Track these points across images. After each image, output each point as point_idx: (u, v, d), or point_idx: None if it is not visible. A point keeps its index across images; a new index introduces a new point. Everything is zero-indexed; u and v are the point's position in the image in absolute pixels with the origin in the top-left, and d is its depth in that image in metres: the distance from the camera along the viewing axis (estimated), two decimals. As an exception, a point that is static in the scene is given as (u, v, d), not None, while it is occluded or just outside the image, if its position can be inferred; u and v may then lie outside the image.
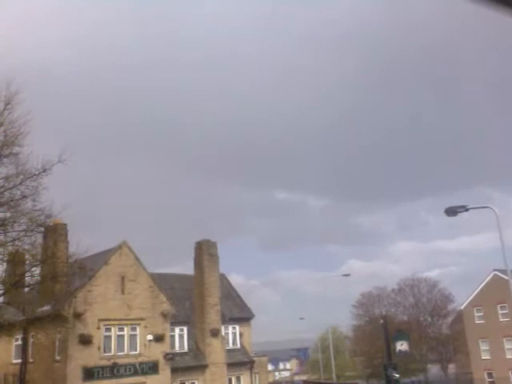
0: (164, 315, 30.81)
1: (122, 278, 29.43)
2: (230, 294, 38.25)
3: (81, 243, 24.51)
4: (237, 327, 37.04)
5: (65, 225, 27.35)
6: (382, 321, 39.98)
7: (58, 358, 28.27)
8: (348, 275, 50.66)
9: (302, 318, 78.38)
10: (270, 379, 60.93)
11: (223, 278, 37.44)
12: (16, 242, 23.81)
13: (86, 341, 28.02)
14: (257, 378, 38.11)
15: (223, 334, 35.72)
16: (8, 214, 23.01)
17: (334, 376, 55.91)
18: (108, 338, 29.06)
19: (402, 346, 33.80)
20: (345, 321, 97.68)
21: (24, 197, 22.89)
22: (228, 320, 36.05)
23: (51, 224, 25.18)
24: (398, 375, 31.54)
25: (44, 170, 22.59)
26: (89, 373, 27.47)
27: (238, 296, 39.18)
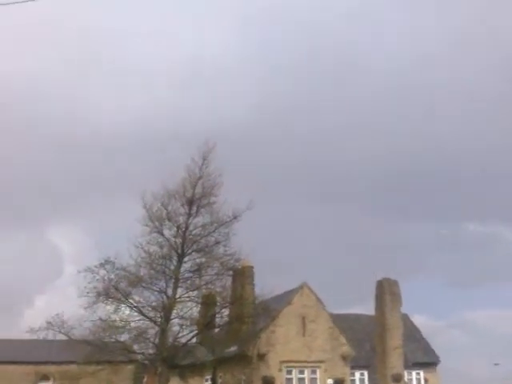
0: (344, 358, 30.15)
1: (303, 319, 29.49)
2: (413, 336, 36.40)
3: (266, 285, 25.39)
4: (421, 373, 34.93)
5: (251, 267, 28.53)
6: None
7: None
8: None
9: (496, 364, 70.13)
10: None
11: (406, 319, 35.73)
12: (209, 285, 25.54)
13: (268, 383, 28.39)
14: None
15: (406, 379, 33.81)
16: (203, 260, 24.93)
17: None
18: (289, 380, 29.08)
19: None
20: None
21: (217, 243, 24.70)
22: (411, 365, 34.18)
23: (239, 267, 26.56)
24: None
25: (235, 217, 24.24)
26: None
27: (423, 338, 37.12)
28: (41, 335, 24.18)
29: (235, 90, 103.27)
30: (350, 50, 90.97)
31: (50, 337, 24.69)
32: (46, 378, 29.86)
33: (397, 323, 32.82)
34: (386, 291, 33.18)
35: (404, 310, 34.65)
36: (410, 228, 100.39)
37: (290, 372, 29.15)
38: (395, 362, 32.42)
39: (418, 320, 40.22)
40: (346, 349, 30.14)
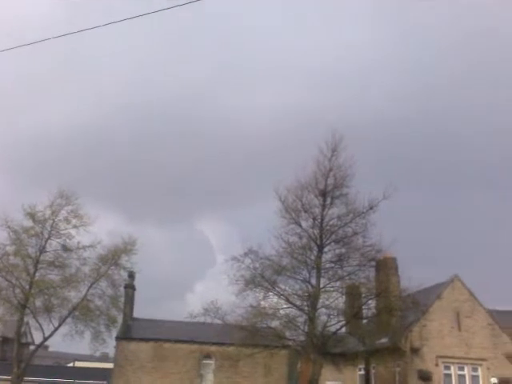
0: (509, 357, 27.19)
1: (457, 314, 27.39)
2: None
3: (411, 277, 23.92)
4: None
5: (394, 259, 27.20)
6: None
7: (399, 391, 27.80)
8: None
9: None
10: None
11: None
12: (352, 276, 24.88)
13: (425, 377, 26.89)
14: None
15: None
16: (343, 250, 24.38)
17: None
18: (448, 376, 27.34)
19: None
20: None
21: (355, 233, 23.96)
22: None
23: (382, 258, 25.48)
24: None
25: (371, 208, 23.30)
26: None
27: None
28: (200, 320, 26.04)
29: (366, 85, 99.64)
30: None
31: (209, 321, 26.50)
32: (208, 356, 31.99)
33: None
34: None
35: None
36: None
37: (447, 368, 27.44)
38: None
39: None
40: (510, 347, 27.15)
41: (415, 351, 27.15)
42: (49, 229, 29.55)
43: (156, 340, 31.74)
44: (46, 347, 52.01)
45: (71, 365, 56.95)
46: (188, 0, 9.43)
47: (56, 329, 29.95)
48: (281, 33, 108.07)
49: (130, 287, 33.01)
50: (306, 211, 24.03)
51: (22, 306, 29.05)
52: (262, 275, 24.79)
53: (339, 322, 26.18)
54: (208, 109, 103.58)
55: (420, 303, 25.54)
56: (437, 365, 27.19)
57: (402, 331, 26.99)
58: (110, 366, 37.51)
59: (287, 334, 26.96)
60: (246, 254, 24.19)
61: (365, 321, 27.85)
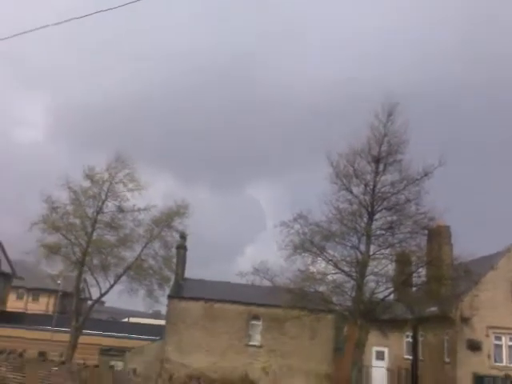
0: None
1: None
2: None
3: (465, 246, 23.20)
4: None
5: (448, 227, 26.39)
6: None
7: (446, 360, 27.45)
8: None
9: None
10: None
11: None
12: (402, 244, 24.35)
13: (474, 347, 26.46)
14: None
15: None
16: (395, 217, 23.80)
17: None
18: (498, 346, 26.80)
19: None
20: None
21: (408, 201, 23.31)
22: None
23: (434, 227, 24.78)
24: None
25: (426, 175, 22.54)
26: (479, 381, 25.68)
27: None
28: (249, 279, 26.36)
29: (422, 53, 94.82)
30: None
31: (257, 282, 26.74)
32: (256, 317, 32.48)
33: None
34: None
35: None
36: None
37: (498, 338, 26.88)
38: None
39: None
40: None
41: (465, 321, 26.65)
42: (106, 190, 30.43)
43: (206, 300, 32.47)
44: (103, 303, 54.40)
45: (126, 320, 59.50)
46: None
47: (112, 286, 31.20)
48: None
49: (182, 248, 33.72)
50: (357, 177, 23.50)
51: (81, 263, 30.32)
52: (310, 241, 24.66)
53: (387, 288, 25.84)
54: (260, 74, 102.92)
55: (473, 273, 24.72)
56: (487, 335, 26.66)
57: (453, 300, 26.36)
58: (161, 322, 38.88)
59: (334, 299, 26.93)
60: (295, 220, 24.07)
61: (414, 289, 27.41)
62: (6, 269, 48.84)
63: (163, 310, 37.87)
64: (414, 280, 26.08)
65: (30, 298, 60.29)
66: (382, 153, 23.06)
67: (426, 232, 24.33)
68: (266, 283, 26.50)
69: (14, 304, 55.05)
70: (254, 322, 32.54)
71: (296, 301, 25.59)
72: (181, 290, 33.64)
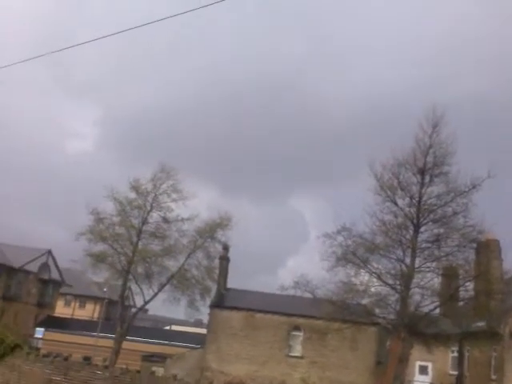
0: None
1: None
2: None
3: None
4: None
5: (497, 241, 25.30)
6: None
7: (493, 377, 26.17)
8: None
9: None
10: None
11: None
12: (449, 257, 23.45)
13: (523, 364, 25.05)
14: None
15: None
16: (441, 230, 22.96)
17: None
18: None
19: None
20: None
21: (455, 213, 22.45)
22: None
23: (483, 240, 23.78)
24: None
25: (474, 187, 21.66)
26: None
27: None
28: (290, 292, 25.94)
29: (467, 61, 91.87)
30: None
31: (299, 294, 26.31)
32: (297, 328, 31.94)
33: None
34: None
35: None
36: None
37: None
38: None
39: None
40: None
41: (514, 336, 25.31)
42: (150, 201, 30.75)
43: (247, 310, 32.22)
44: (146, 310, 54.96)
45: (168, 328, 59.83)
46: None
47: (155, 294, 31.37)
48: (372, 7, 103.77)
49: (225, 259, 33.66)
50: (402, 189, 22.77)
51: (126, 272, 30.64)
52: (353, 253, 24.07)
53: (433, 302, 24.92)
54: (299, 87, 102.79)
55: (524, 288, 23.59)
56: (538, 352, 25.20)
57: (501, 315, 25.21)
58: (203, 331, 38.78)
59: (377, 311, 26.20)
60: (338, 232, 23.54)
61: (461, 303, 26.33)
62: (56, 276, 50.10)
63: (205, 318, 37.87)
64: (461, 294, 25.06)
65: (77, 305, 61.55)
66: (428, 164, 22.29)
67: (475, 245, 23.34)
68: (308, 295, 26.02)
69: (62, 310, 56.35)
70: (295, 333, 32.04)
71: (338, 313, 25.01)
72: (222, 300, 33.51)
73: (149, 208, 30.72)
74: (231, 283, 35.09)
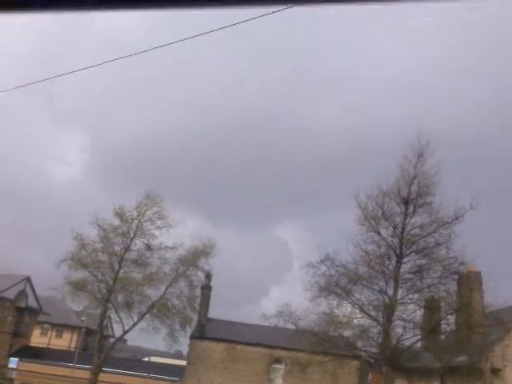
0: None
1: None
2: None
3: (497, 293, 21.86)
4: None
5: (479, 273, 25.11)
6: None
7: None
8: None
9: None
10: None
11: None
12: (431, 289, 23.22)
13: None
14: None
15: None
16: (423, 261, 22.79)
17: None
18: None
19: None
20: None
21: (438, 244, 22.32)
22: None
23: (465, 272, 23.59)
24: None
25: (456, 218, 21.63)
26: None
27: None
28: (272, 322, 25.33)
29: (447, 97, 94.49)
30: None
31: (281, 324, 25.66)
32: (278, 361, 31.10)
33: None
34: None
35: None
36: None
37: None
38: None
39: None
40: None
41: (496, 372, 24.94)
42: (134, 228, 30.18)
43: (229, 341, 31.34)
44: (125, 341, 53.24)
45: (147, 359, 57.96)
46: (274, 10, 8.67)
47: (135, 324, 30.40)
48: (355, 44, 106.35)
49: (206, 288, 32.96)
50: (386, 219, 22.66)
51: (105, 300, 29.70)
52: (336, 283, 23.73)
53: (415, 335, 24.60)
54: (285, 119, 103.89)
55: (505, 321, 23.25)
56: (520, 389, 24.74)
57: (483, 350, 24.80)
58: (183, 363, 37.52)
59: (359, 344, 25.64)
60: (322, 261, 23.25)
61: (442, 336, 25.93)
62: (33, 304, 48.41)
63: (185, 350, 36.71)
64: (443, 327, 24.78)
65: (54, 334, 59.41)
66: (412, 194, 22.25)
67: (456, 277, 23.14)
68: (290, 326, 25.41)
69: (38, 339, 54.28)
70: (276, 366, 31.16)
71: (319, 344, 24.43)
72: (203, 331, 32.62)
73: (132, 235, 30.13)
74: (213, 312, 34.30)
